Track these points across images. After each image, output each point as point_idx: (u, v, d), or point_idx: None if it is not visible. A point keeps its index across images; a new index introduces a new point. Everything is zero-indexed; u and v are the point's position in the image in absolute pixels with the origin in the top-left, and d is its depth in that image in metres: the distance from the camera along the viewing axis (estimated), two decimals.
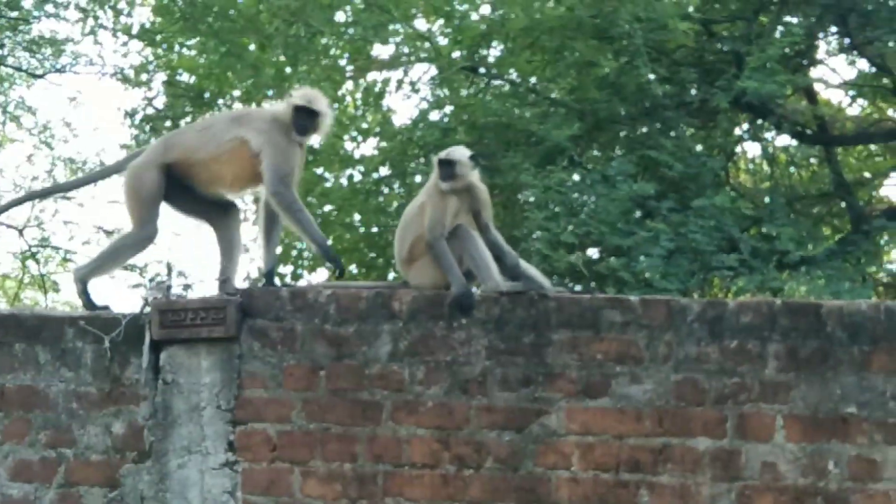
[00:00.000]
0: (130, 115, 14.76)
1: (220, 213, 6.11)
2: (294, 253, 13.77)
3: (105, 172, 6.81)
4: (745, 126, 13.34)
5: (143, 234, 5.94)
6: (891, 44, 12.02)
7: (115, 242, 6.25)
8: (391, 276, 12.05)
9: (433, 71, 13.36)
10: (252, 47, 13.17)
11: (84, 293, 5.91)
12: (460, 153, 5.77)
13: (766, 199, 12.17)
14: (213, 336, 5.44)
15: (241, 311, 5.45)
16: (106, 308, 5.82)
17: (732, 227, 10.73)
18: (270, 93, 13.06)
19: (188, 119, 14.27)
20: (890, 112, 14.47)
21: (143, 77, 15.04)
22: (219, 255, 6.07)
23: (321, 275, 13.83)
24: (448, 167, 5.69)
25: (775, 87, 11.06)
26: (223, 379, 5.45)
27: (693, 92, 12.20)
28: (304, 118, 5.86)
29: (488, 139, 11.65)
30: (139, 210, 5.91)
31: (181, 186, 5.96)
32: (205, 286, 13.96)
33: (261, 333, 5.45)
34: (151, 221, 5.93)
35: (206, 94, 14.24)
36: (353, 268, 14.08)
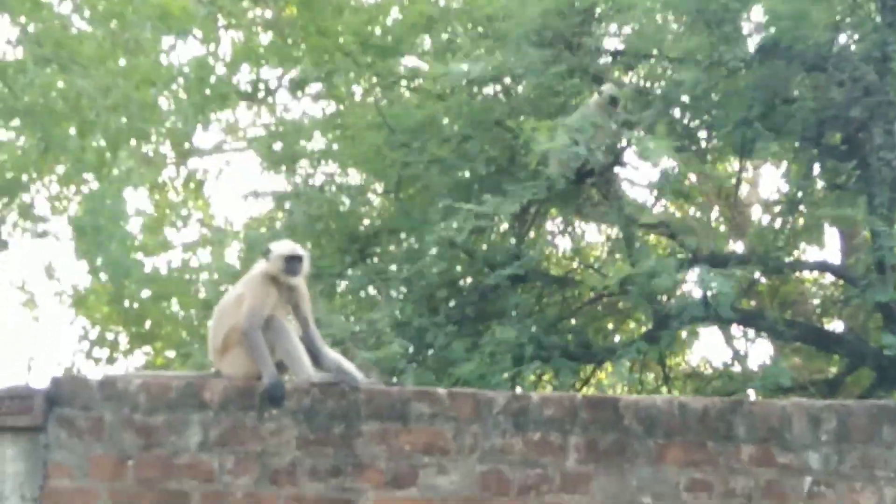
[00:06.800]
0: None
1: None
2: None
3: None
4: None
5: None
6: None
7: None
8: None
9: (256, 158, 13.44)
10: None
11: None
12: (304, 250, 5.91)
13: None
14: (18, 425, 5.36)
15: (49, 400, 5.39)
16: None
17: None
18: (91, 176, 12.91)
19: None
20: None
21: None
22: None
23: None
24: (297, 262, 5.81)
25: None
26: (28, 468, 5.36)
27: None
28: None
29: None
30: None
31: None
32: (11, 374, 13.65)
33: (68, 422, 5.39)
34: None
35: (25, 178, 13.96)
36: (171, 353, 13.96)
